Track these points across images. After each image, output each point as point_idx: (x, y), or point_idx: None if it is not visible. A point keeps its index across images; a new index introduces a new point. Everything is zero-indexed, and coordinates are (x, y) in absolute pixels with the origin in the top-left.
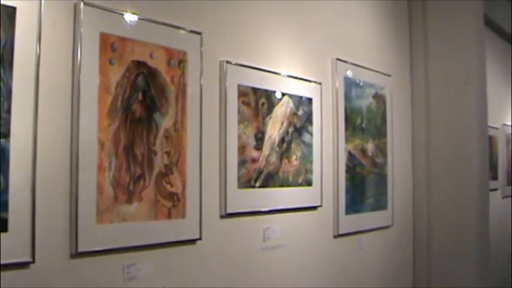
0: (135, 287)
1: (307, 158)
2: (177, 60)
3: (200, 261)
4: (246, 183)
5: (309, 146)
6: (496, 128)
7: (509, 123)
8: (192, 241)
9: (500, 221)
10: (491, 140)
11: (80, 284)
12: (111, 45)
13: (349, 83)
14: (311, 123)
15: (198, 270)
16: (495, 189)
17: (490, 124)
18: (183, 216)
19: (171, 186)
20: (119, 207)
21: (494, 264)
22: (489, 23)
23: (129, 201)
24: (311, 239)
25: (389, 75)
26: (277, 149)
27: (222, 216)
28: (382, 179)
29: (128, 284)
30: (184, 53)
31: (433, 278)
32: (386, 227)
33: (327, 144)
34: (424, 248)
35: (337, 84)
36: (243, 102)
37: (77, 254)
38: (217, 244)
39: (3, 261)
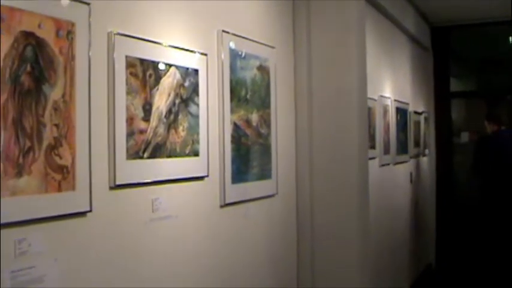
0: (27, 262)
1: (194, 129)
2: (66, 31)
3: (91, 233)
4: (135, 154)
5: (196, 117)
6: (374, 100)
7: (386, 95)
8: (83, 213)
9: (378, 186)
10: (369, 111)
11: None
12: None
13: (234, 55)
14: (197, 95)
15: (89, 242)
16: (373, 158)
17: (368, 96)
18: (73, 189)
19: (61, 158)
20: (8, 181)
21: (374, 226)
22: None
23: (19, 174)
24: (199, 209)
25: (273, 47)
26: (165, 120)
27: (111, 188)
28: (266, 149)
29: (19, 259)
30: (73, 24)
31: (316, 242)
32: (271, 196)
33: (213, 115)
34: (307, 215)
35: (222, 56)
36: (131, 74)
37: None
38: (108, 216)
39: None
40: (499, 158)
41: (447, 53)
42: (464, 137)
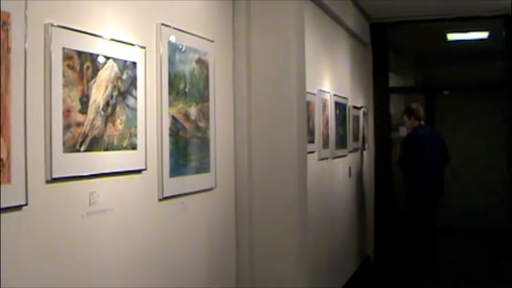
0: None
1: (131, 122)
2: (1, 22)
3: (27, 227)
4: (71, 147)
5: (134, 110)
6: (313, 94)
7: (326, 89)
8: (18, 207)
9: (317, 179)
10: (308, 105)
11: None
12: None
13: (173, 48)
14: (135, 88)
15: (25, 236)
16: (312, 152)
17: (307, 90)
18: (9, 182)
19: None
20: None
21: (312, 220)
22: None
23: None
24: (136, 203)
25: (212, 41)
26: (102, 113)
27: (48, 181)
28: (205, 143)
29: None
30: (8, 15)
31: (255, 236)
32: (210, 190)
33: (151, 109)
34: (246, 209)
35: (161, 49)
36: (68, 66)
37: None
38: (44, 209)
39: None
40: (420, 153)
41: (386, 48)
42: (403, 131)
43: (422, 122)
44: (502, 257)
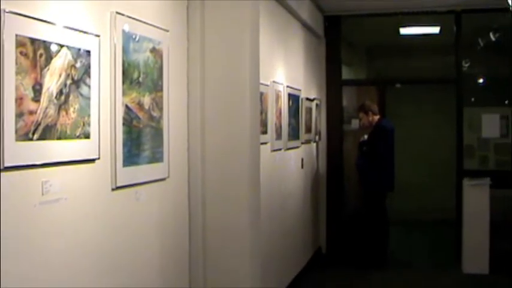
0: None
1: (85, 111)
2: None
3: None
4: (24, 135)
5: (87, 98)
6: (267, 85)
7: (279, 81)
8: None
9: (270, 170)
10: (262, 97)
11: None
12: None
13: (128, 37)
14: (89, 76)
15: None
16: (265, 143)
17: (261, 81)
18: None
19: None
20: None
21: (265, 210)
22: None
23: None
24: (90, 192)
25: (167, 31)
26: (55, 101)
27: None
28: (158, 132)
29: None
30: None
31: (207, 225)
32: (163, 179)
33: (104, 97)
34: (199, 198)
35: (115, 38)
36: (21, 53)
37: None
38: None
39: None
40: (387, 147)
41: (339, 41)
42: (355, 123)
43: (377, 116)
44: (447, 248)
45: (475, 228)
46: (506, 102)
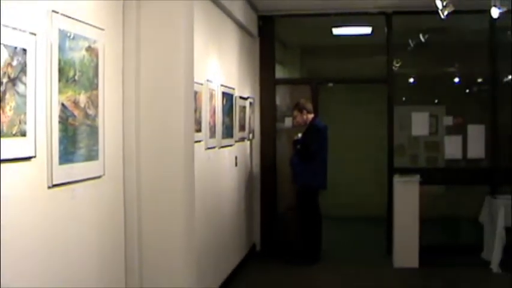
0: None
1: (21, 109)
2: None
3: None
4: None
5: (24, 97)
6: (201, 84)
7: (213, 80)
8: None
9: (204, 168)
10: (196, 95)
11: None
12: None
13: (64, 35)
14: (25, 74)
15: None
16: (199, 141)
17: (195, 80)
18: None
19: None
20: None
21: (199, 208)
22: None
23: None
24: (26, 190)
25: (102, 29)
26: None
27: None
28: (93, 130)
29: None
30: None
31: (143, 222)
32: (99, 177)
33: (40, 96)
34: (134, 196)
35: (51, 36)
36: None
37: None
38: None
39: None
40: (320, 146)
41: (273, 40)
42: (288, 122)
43: (311, 115)
44: (378, 243)
45: (405, 224)
46: (436, 101)
